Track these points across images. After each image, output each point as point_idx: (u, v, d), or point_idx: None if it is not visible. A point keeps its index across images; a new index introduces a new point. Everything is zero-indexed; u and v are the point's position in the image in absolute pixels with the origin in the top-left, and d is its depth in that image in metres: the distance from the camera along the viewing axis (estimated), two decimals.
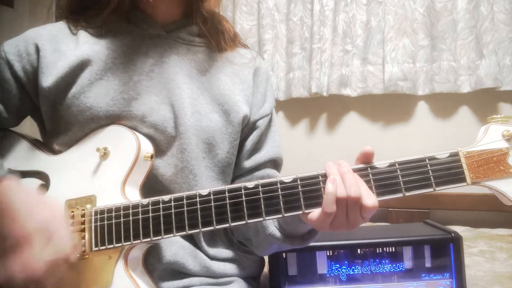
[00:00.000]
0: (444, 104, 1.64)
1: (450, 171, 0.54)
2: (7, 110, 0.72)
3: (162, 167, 0.70)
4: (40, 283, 0.55)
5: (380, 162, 0.55)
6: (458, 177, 0.54)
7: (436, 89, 1.59)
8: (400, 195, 0.54)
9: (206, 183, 0.72)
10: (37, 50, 0.70)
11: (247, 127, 0.78)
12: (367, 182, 0.55)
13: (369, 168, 0.55)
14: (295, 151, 1.79)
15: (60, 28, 0.74)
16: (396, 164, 0.55)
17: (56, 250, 0.56)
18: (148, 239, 0.61)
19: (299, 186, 0.56)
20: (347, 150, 1.74)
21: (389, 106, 1.71)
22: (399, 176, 0.55)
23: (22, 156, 0.72)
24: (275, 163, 0.81)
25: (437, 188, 0.54)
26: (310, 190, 0.57)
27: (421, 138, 1.67)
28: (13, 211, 0.57)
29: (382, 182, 0.55)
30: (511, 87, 1.52)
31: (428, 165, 0.55)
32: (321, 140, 1.81)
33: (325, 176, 0.56)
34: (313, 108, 1.82)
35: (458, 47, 1.56)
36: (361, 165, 0.56)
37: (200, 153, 0.72)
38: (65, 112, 0.69)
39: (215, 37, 0.78)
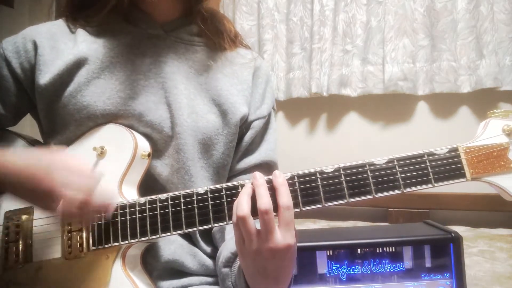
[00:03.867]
0: (444, 104, 1.63)
1: (450, 166, 0.53)
2: (4, 108, 0.72)
3: (159, 166, 0.70)
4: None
5: (378, 159, 0.55)
6: (458, 173, 0.53)
7: (436, 89, 1.59)
8: (398, 191, 0.54)
9: (202, 183, 0.71)
10: (35, 47, 0.70)
11: (244, 126, 0.76)
12: (365, 179, 0.54)
13: (367, 165, 0.55)
14: (295, 151, 1.79)
15: (59, 26, 0.74)
16: (395, 160, 0.54)
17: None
18: (146, 238, 0.60)
19: (297, 184, 0.56)
20: (347, 150, 1.74)
21: (389, 106, 1.70)
22: (398, 172, 0.54)
23: None
24: (268, 168, 0.77)
25: (436, 184, 0.53)
26: (306, 188, 0.56)
27: (421, 138, 1.66)
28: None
29: (380, 178, 0.54)
30: (511, 87, 1.52)
31: (427, 161, 0.54)
32: (321, 140, 1.80)
33: (323, 173, 0.56)
34: (313, 108, 1.81)
35: (458, 47, 1.55)
36: (359, 162, 0.55)
37: (196, 154, 0.71)
38: (62, 111, 0.68)
39: (215, 37, 0.77)
